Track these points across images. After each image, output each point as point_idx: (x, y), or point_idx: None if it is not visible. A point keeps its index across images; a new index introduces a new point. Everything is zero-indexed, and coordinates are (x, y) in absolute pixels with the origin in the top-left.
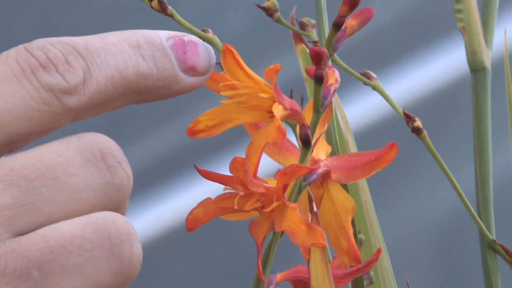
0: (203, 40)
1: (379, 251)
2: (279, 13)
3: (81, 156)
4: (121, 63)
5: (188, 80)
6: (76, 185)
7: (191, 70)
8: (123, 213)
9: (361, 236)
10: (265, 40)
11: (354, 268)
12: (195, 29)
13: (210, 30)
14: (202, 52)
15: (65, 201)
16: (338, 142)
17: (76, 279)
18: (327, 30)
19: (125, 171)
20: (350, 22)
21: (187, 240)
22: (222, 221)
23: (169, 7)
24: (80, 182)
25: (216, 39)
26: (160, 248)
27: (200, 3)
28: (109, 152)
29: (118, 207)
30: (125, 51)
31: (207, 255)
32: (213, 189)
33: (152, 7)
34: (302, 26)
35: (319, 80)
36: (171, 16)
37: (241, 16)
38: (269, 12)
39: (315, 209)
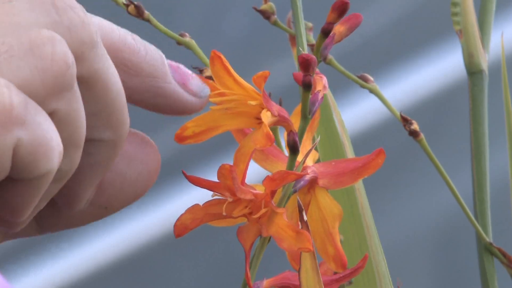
0: (180, 44)
1: (365, 258)
2: (276, 16)
3: (29, 2)
4: (107, 25)
5: (178, 88)
6: (18, 23)
7: (182, 83)
8: (88, 62)
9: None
10: (264, 43)
11: (341, 275)
12: (172, 33)
13: (187, 34)
14: (196, 79)
15: (5, 35)
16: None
17: None
18: (303, 29)
19: (77, 14)
20: (338, 28)
21: (181, 245)
22: (217, 227)
23: (146, 12)
24: (21, 21)
25: (193, 43)
26: (155, 253)
27: (198, 7)
28: None
29: (78, 54)
30: (118, 28)
31: (202, 261)
32: (206, 196)
33: (128, 12)
34: None
35: (307, 86)
36: (148, 21)
37: (239, 19)
38: (265, 15)
39: (305, 218)
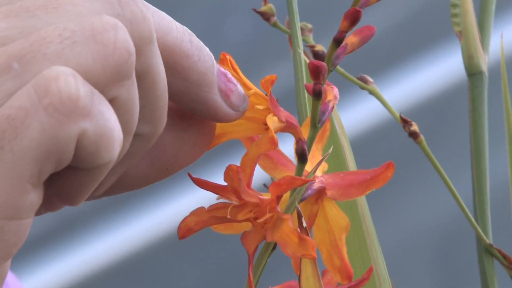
0: None
1: (370, 270)
2: (275, 18)
3: None
4: (167, 24)
5: (219, 99)
6: (80, 12)
7: (225, 94)
8: (143, 57)
9: None
10: (264, 45)
11: (346, 286)
12: None
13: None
14: (239, 90)
15: (67, 21)
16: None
17: (58, 63)
18: (299, 33)
19: (139, 8)
20: (350, 38)
21: (183, 246)
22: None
23: None
24: (84, 11)
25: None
26: (157, 254)
27: (200, 9)
28: None
29: (136, 48)
30: (177, 27)
31: (203, 262)
32: (207, 197)
33: None
34: None
35: (317, 94)
36: None
37: (241, 21)
38: (265, 16)
39: (304, 224)
